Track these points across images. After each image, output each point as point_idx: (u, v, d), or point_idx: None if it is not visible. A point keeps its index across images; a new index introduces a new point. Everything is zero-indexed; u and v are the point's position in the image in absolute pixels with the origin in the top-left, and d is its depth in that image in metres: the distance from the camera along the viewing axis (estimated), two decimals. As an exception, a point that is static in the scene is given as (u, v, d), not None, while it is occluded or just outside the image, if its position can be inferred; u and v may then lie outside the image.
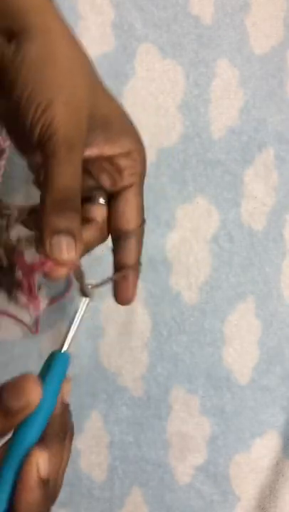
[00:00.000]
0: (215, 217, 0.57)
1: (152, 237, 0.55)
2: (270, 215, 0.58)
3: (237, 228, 0.57)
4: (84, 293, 0.36)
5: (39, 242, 0.33)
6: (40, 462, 0.30)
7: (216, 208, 0.57)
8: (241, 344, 0.58)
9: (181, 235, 0.56)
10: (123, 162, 0.36)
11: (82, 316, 0.36)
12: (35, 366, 0.40)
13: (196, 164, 0.56)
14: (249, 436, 0.58)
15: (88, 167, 0.36)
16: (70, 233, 0.33)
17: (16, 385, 0.30)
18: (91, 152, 0.35)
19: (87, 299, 0.36)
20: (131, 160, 0.36)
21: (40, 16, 0.33)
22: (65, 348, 0.34)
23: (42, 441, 0.31)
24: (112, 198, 0.38)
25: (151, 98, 0.55)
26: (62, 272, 0.34)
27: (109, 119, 0.35)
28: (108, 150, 0.36)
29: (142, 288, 0.55)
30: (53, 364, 0.33)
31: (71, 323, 0.35)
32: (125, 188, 0.37)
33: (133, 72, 0.54)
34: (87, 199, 0.38)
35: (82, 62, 0.35)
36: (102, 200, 0.38)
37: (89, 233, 0.37)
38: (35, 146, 0.33)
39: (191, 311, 0.57)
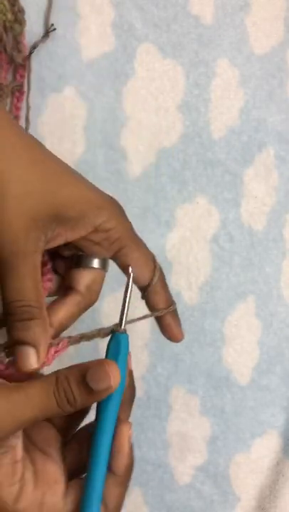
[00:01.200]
0: (215, 217, 0.57)
1: (152, 237, 0.55)
2: (270, 215, 0.58)
3: (237, 228, 0.57)
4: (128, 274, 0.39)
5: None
6: (130, 435, 0.38)
7: (216, 207, 0.57)
8: (241, 344, 0.58)
9: (181, 235, 0.56)
10: (96, 237, 0.37)
11: (131, 294, 0.39)
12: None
13: (196, 164, 0.56)
14: (249, 436, 0.58)
15: (72, 244, 0.37)
16: (30, 343, 0.34)
17: (100, 369, 0.35)
18: (57, 242, 0.36)
19: (131, 279, 0.39)
20: (102, 232, 0.37)
21: None
22: (123, 327, 0.39)
23: (123, 411, 0.38)
24: (113, 260, 0.39)
25: (151, 98, 0.55)
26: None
27: (60, 210, 0.35)
28: (72, 236, 0.36)
29: (142, 288, 0.55)
30: (121, 344, 0.38)
31: (123, 304, 0.39)
32: (116, 254, 0.38)
33: (133, 72, 0.54)
34: (76, 263, 0.39)
35: (18, 165, 0.34)
36: (96, 264, 0.39)
37: (65, 308, 0.38)
38: None
39: (191, 311, 0.57)
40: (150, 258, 0.40)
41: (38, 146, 0.36)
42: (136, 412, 0.56)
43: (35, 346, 0.34)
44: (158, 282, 0.40)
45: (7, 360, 0.35)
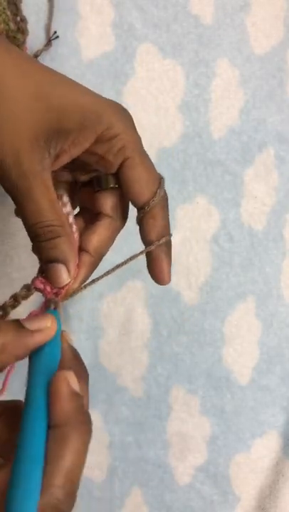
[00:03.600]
0: (215, 217, 0.57)
1: (152, 237, 0.55)
2: (270, 215, 0.58)
3: (237, 228, 0.57)
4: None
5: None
6: (70, 378, 0.31)
7: (216, 208, 0.57)
8: (241, 344, 0.58)
9: (181, 235, 0.56)
10: (99, 149, 0.35)
11: None
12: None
13: (196, 164, 0.56)
14: (249, 436, 0.58)
15: (79, 162, 0.36)
16: (58, 260, 0.35)
17: (34, 314, 0.33)
18: (62, 161, 0.35)
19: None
20: (106, 141, 0.35)
21: None
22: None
23: (63, 366, 0.32)
24: (116, 178, 0.37)
25: (151, 98, 0.55)
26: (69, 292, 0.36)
27: (61, 122, 0.33)
28: (77, 151, 0.35)
29: (142, 288, 0.55)
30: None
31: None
32: (121, 167, 0.36)
33: (133, 72, 0.54)
34: (98, 185, 0.38)
35: (20, 80, 0.33)
36: (111, 183, 0.37)
37: (97, 236, 0.37)
38: None
39: (191, 311, 0.57)
40: (155, 178, 0.37)
41: (28, 59, 0.35)
42: (136, 412, 0.56)
43: (64, 262, 0.35)
44: (158, 206, 0.37)
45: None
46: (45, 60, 0.52)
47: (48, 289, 0.36)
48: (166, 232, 0.38)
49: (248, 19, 0.56)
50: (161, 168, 0.55)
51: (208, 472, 0.58)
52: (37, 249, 0.35)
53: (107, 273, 0.39)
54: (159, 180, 0.37)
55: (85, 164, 0.37)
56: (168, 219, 0.38)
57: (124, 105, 0.54)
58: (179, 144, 0.55)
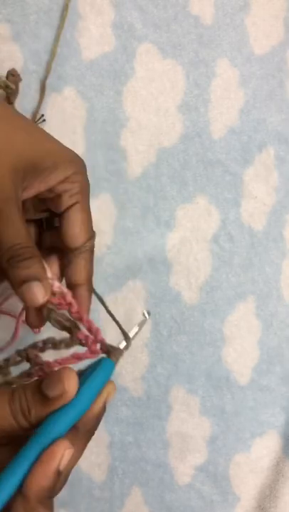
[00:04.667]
0: (215, 217, 0.57)
1: (152, 237, 0.55)
2: (270, 215, 0.58)
3: (237, 228, 0.57)
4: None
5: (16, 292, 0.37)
6: (66, 455, 0.32)
7: (216, 208, 0.57)
8: (241, 344, 0.58)
9: (181, 235, 0.56)
10: (60, 188, 0.39)
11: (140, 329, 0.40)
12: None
13: (196, 164, 0.56)
14: (249, 436, 0.58)
15: (37, 196, 0.40)
16: (34, 278, 0.36)
17: (54, 374, 0.34)
18: (29, 193, 0.38)
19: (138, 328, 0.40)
20: (68, 183, 0.39)
21: None
22: (114, 358, 0.38)
23: (71, 435, 0.34)
24: (59, 219, 0.41)
25: (151, 98, 0.55)
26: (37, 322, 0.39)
27: (36, 162, 0.38)
28: (43, 186, 0.39)
29: (142, 288, 0.55)
30: (101, 367, 0.36)
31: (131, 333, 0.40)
32: (68, 208, 0.40)
33: (133, 72, 0.54)
34: (49, 224, 0.43)
35: (10, 121, 0.38)
36: (57, 223, 0.41)
37: (58, 263, 0.42)
38: None
39: (191, 311, 0.57)
40: (91, 226, 0.42)
41: (9, 108, 0.40)
42: (136, 412, 0.56)
43: (40, 280, 0.36)
44: (89, 252, 0.41)
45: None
46: (46, 60, 0.52)
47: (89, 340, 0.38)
48: (91, 278, 0.42)
49: (248, 19, 0.56)
50: (161, 168, 0.56)
51: (208, 472, 0.58)
52: (12, 269, 0.36)
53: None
54: (94, 233, 0.42)
55: (38, 202, 0.41)
56: (93, 267, 0.42)
57: (124, 105, 0.55)
58: (179, 144, 0.55)
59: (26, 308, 0.40)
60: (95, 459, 0.56)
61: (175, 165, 0.56)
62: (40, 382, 0.34)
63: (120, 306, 0.56)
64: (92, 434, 0.36)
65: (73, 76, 0.53)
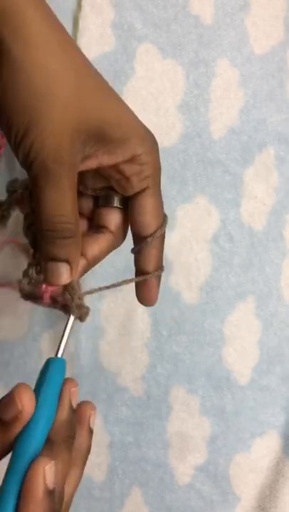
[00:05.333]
0: (215, 217, 0.57)
1: (152, 237, 0.55)
2: (270, 215, 0.58)
3: (237, 228, 0.57)
4: (70, 311, 0.37)
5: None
6: (47, 471, 0.29)
7: (216, 208, 0.57)
8: (241, 344, 0.58)
9: (181, 235, 0.56)
10: (128, 169, 0.35)
11: (72, 326, 0.36)
12: (36, 366, 0.40)
13: (196, 164, 0.56)
14: (249, 436, 0.58)
15: (101, 173, 0.35)
16: (64, 259, 0.33)
17: (8, 395, 0.31)
18: (90, 165, 0.34)
19: (72, 317, 0.37)
20: (137, 165, 0.35)
21: (17, 23, 0.31)
22: (60, 355, 0.35)
23: (47, 449, 0.31)
24: (128, 202, 0.37)
25: (151, 98, 0.55)
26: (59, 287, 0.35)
27: (104, 127, 0.33)
28: (107, 160, 0.34)
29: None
30: (49, 370, 0.33)
31: (64, 330, 0.36)
32: (138, 193, 0.36)
33: (133, 72, 0.54)
34: (105, 201, 0.38)
35: (65, 67, 0.32)
36: (117, 203, 0.37)
37: (98, 246, 0.37)
38: (23, 168, 0.33)
39: (191, 311, 0.57)
40: (162, 212, 0.37)
41: (73, 43, 0.34)
42: (136, 412, 0.56)
43: (70, 263, 0.34)
44: (159, 239, 0.37)
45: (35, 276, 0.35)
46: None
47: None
48: (161, 265, 0.39)
49: (248, 19, 0.56)
50: (161, 168, 0.56)
51: (208, 472, 0.58)
52: (45, 243, 0.33)
53: (101, 289, 0.39)
54: (164, 216, 0.38)
55: (97, 179, 0.36)
56: (163, 252, 0.39)
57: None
58: (179, 144, 0.55)
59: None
60: (95, 459, 0.56)
61: (175, 165, 0.56)
62: None
63: (120, 306, 0.56)
64: (72, 439, 0.33)
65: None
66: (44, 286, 0.37)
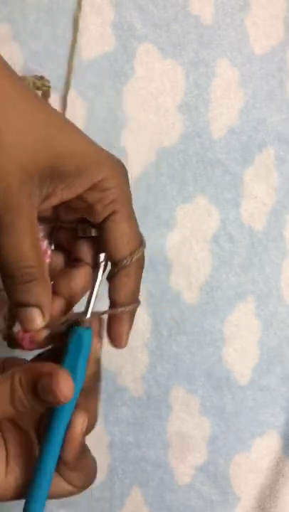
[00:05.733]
0: (215, 217, 0.57)
1: (152, 237, 0.55)
2: (270, 215, 0.58)
3: (237, 228, 0.57)
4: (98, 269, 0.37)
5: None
6: (83, 426, 0.35)
7: (216, 208, 0.57)
8: (241, 344, 0.58)
9: (181, 235, 0.56)
10: (90, 197, 0.34)
11: (99, 286, 0.36)
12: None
13: (196, 164, 0.56)
14: (249, 436, 0.58)
15: (69, 205, 0.35)
16: (34, 304, 0.33)
17: (51, 382, 0.33)
18: (52, 202, 0.34)
19: (102, 268, 0.36)
20: (98, 191, 0.34)
21: None
22: (87, 323, 0.36)
23: (82, 401, 0.35)
24: (98, 230, 0.36)
25: (151, 98, 0.55)
26: (40, 337, 0.36)
27: (56, 163, 0.32)
28: (68, 194, 0.34)
29: (142, 288, 0.55)
30: (82, 342, 0.35)
31: (90, 295, 0.36)
32: (106, 219, 0.35)
33: (133, 72, 0.54)
34: (81, 232, 0.37)
35: (8, 113, 0.32)
36: (94, 233, 0.37)
37: (80, 280, 0.37)
38: None
39: (191, 311, 0.57)
40: (137, 238, 0.36)
41: (35, 96, 0.34)
42: (136, 412, 0.56)
43: (38, 306, 0.33)
44: (134, 266, 0.36)
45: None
46: (46, 61, 0.52)
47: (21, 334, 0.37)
48: (136, 297, 0.37)
49: (248, 19, 0.56)
50: (161, 168, 0.56)
51: (208, 472, 0.58)
52: (9, 289, 0.33)
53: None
54: (141, 241, 0.37)
55: (69, 209, 0.36)
56: (139, 284, 0.37)
57: (124, 105, 0.54)
58: (179, 144, 0.55)
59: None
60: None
61: (175, 165, 0.56)
62: (36, 378, 0.33)
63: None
64: (98, 387, 0.37)
65: (73, 76, 0.53)
66: (20, 332, 0.38)
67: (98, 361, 0.36)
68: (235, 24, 0.56)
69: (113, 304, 0.37)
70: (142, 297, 0.56)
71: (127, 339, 0.38)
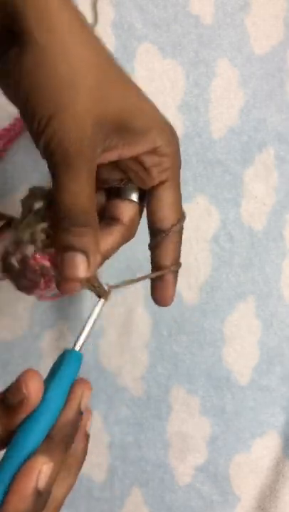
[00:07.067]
0: (215, 217, 0.57)
1: (152, 237, 0.55)
2: (270, 215, 0.58)
3: (237, 228, 0.57)
4: (100, 294, 0.36)
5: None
6: (43, 472, 0.29)
7: (216, 208, 0.57)
8: (241, 344, 0.58)
9: (181, 235, 0.56)
10: (149, 160, 0.35)
11: (99, 315, 0.35)
12: (36, 366, 0.39)
13: (196, 164, 0.56)
14: (249, 436, 0.58)
15: (119, 165, 0.35)
16: (81, 250, 0.32)
17: (16, 380, 0.30)
18: (110, 156, 0.34)
19: (102, 300, 0.36)
20: (158, 156, 0.34)
21: (41, 12, 0.31)
22: (78, 348, 0.33)
23: (45, 445, 0.30)
24: (146, 195, 0.37)
25: (151, 98, 0.54)
26: (74, 288, 0.34)
27: (125, 118, 0.33)
28: (128, 152, 0.34)
29: (142, 288, 0.55)
30: (64, 362, 0.32)
31: (86, 322, 0.35)
32: (157, 186, 0.36)
33: (133, 72, 0.54)
34: (118, 194, 0.37)
35: (88, 57, 0.32)
36: (133, 197, 0.37)
37: (111, 238, 0.36)
38: (43, 156, 0.32)
39: (191, 311, 0.57)
40: (181, 207, 0.37)
41: (97, 39, 0.34)
42: (136, 412, 0.56)
43: (86, 254, 0.32)
44: (178, 234, 0.37)
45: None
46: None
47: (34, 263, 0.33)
48: (179, 260, 0.38)
49: (248, 19, 0.56)
50: (161, 168, 0.56)
51: (208, 472, 0.58)
52: (61, 231, 0.32)
53: (127, 282, 0.38)
54: (183, 211, 0.38)
55: (114, 171, 0.36)
56: (180, 249, 0.38)
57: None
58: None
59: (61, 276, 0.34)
60: (95, 459, 0.56)
61: (175, 165, 0.56)
62: (6, 390, 0.30)
63: (120, 306, 0.56)
64: (72, 441, 0.32)
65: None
66: (34, 261, 0.35)
67: (80, 413, 0.33)
68: (235, 24, 0.56)
69: (160, 268, 0.37)
70: (141, 297, 0.57)
71: (172, 298, 0.38)
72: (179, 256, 0.38)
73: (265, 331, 0.58)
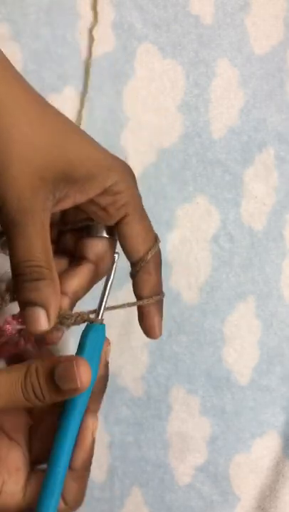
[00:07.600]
0: (215, 217, 0.57)
1: (152, 237, 0.55)
2: (270, 215, 0.58)
3: (237, 228, 0.57)
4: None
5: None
6: (95, 428, 0.36)
7: (216, 208, 0.57)
8: (241, 344, 0.58)
9: (181, 235, 0.56)
10: (103, 201, 0.36)
11: (112, 284, 0.38)
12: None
13: (196, 164, 0.56)
14: (249, 436, 0.58)
15: (80, 206, 0.36)
16: (39, 304, 0.33)
17: (69, 368, 0.33)
18: (65, 204, 0.35)
19: (114, 270, 0.38)
20: (110, 196, 0.36)
21: None
22: (100, 316, 0.37)
23: (92, 403, 0.36)
24: (114, 231, 0.38)
25: (151, 98, 0.55)
26: (54, 338, 0.38)
27: (69, 168, 0.34)
28: (80, 198, 0.35)
29: (142, 288, 0.55)
30: (92, 336, 0.36)
31: (103, 294, 0.37)
32: (120, 221, 0.37)
33: (133, 72, 0.54)
34: (87, 232, 0.38)
35: (23, 118, 0.33)
36: (103, 233, 0.38)
37: (78, 278, 0.38)
38: None
39: (191, 311, 0.57)
40: (151, 235, 0.38)
41: (45, 102, 0.35)
42: (136, 412, 0.56)
43: (44, 307, 0.33)
44: (151, 263, 0.38)
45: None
46: (45, 60, 0.52)
47: (10, 328, 0.37)
48: (159, 289, 0.39)
49: (248, 19, 0.56)
50: (161, 168, 0.56)
51: (208, 472, 0.58)
52: (18, 288, 0.34)
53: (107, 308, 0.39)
54: (155, 238, 0.39)
55: (79, 211, 0.37)
56: (160, 276, 0.39)
57: (124, 105, 0.55)
58: (179, 144, 0.55)
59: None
60: (94, 459, 0.56)
61: (175, 165, 0.56)
62: (53, 368, 0.33)
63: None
64: (104, 391, 0.38)
65: (73, 76, 0.53)
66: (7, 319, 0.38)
67: (107, 365, 0.37)
68: (235, 24, 0.56)
69: (139, 299, 0.39)
70: (142, 297, 0.56)
71: (160, 329, 0.39)
72: (157, 286, 0.39)
73: (265, 331, 0.58)
